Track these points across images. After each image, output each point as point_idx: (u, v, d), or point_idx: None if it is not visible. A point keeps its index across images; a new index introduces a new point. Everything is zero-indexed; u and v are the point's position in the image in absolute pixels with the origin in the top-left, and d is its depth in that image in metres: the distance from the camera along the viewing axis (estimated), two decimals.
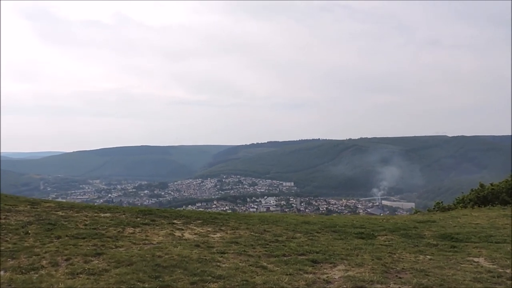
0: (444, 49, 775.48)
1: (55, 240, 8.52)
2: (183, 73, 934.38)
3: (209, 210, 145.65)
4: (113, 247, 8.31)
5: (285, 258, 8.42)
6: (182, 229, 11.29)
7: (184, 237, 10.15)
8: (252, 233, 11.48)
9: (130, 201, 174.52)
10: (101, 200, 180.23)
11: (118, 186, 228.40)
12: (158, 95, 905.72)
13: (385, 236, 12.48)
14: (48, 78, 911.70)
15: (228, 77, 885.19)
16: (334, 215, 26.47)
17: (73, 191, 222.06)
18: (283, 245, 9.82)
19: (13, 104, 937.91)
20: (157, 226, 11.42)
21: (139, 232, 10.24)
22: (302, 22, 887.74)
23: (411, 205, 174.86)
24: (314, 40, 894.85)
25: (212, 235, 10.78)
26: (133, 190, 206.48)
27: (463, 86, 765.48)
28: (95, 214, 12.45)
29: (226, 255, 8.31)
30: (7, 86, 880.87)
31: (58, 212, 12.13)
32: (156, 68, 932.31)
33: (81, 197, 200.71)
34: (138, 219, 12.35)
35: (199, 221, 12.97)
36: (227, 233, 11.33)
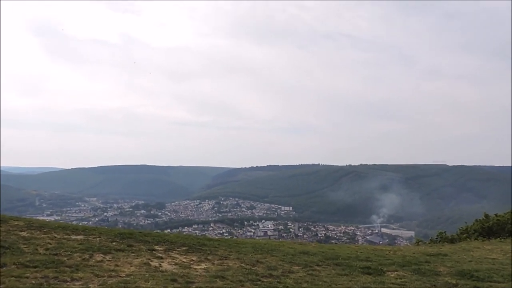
0: (445, 79, 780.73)
1: None
2: (186, 94, 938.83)
3: (206, 232, 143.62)
4: (68, 280, 6.79)
5: None
6: (162, 258, 9.77)
7: (161, 268, 8.62)
8: (242, 265, 9.95)
9: (126, 221, 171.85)
10: (97, 219, 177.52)
11: (115, 205, 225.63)
12: (160, 115, 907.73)
13: (395, 272, 10.93)
14: (52, 94, 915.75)
15: (231, 100, 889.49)
16: (335, 244, 24.77)
17: (68, 209, 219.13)
18: (277, 282, 8.30)
19: (16, 118, 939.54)
20: (132, 253, 9.89)
21: (108, 260, 8.70)
22: (305, 48, 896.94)
23: (411, 233, 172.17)
24: (317, 66, 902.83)
25: (195, 266, 9.25)
26: (130, 209, 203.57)
27: (464, 115, 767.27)
28: (65, 236, 10.95)
29: None
30: (11, 100, 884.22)
31: (22, 233, 10.62)
32: (159, 88, 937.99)
33: (76, 214, 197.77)
34: (114, 243, 10.84)
35: (184, 248, 11.47)
36: (213, 263, 9.81)
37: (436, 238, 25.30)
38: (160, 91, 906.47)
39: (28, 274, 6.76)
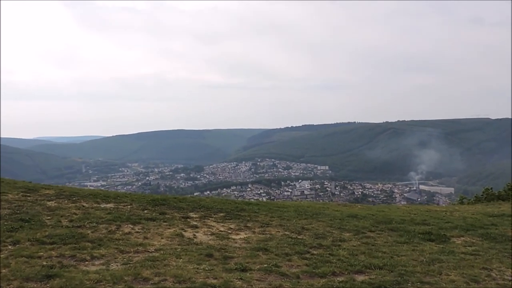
0: (487, 27, 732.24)
1: (10, 246, 6.15)
2: (217, 56, 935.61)
3: (244, 193, 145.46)
4: (87, 258, 5.86)
5: (337, 280, 5.71)
6: (197, 227, 8.80)
7: (195, 240, 7.63)
8: (286, 233, 8.84)
9: (167, 184, 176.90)
10: (140, 183, 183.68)
11: (156, 169, 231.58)
12: (192, 79, 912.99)
13: (461, 238, 9.51)
14: (87, 64, 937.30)
15: (261, 60, 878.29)
16: (384, 205, 23.09)
17: (113, 174, 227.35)
18: (329, 254, 7.11)
19: (55, 90, 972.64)
20: (165, 222, 8.97)
21: (136, 232, 7.78)
22: (336, 2, 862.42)
23: (450, 190, 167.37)
24: (348, 20, 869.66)
25: (234, 236, 8.21)
26: (170, 173, 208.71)
27: (507, 66, 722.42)
28: (94, 205, 10.20)
29: (248, 274, 5.68)
30: (49, 73, 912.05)
31: (49, 203, 9.92)
32: (189, 52, 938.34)
33: (120, 179, 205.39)
34: (145, 211, 9.99)
35: (221, 214, 10.50)
36: (254, 232, 8.75)
37: (482, 195, 23.76)
38: (190, 55, 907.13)
39: (42, 253, 5.86)
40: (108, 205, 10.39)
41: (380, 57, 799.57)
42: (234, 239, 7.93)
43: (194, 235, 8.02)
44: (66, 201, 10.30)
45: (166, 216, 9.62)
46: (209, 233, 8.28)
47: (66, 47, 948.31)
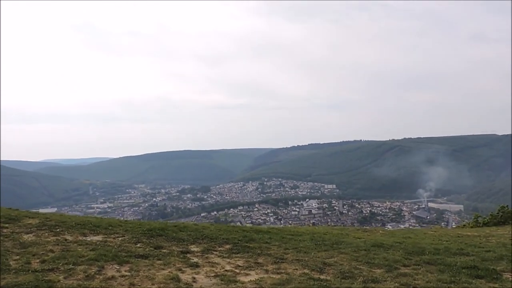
0: (490, 43, 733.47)
1: None
2: (221, 77, 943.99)
3: (251, 213, 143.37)
4: None
5: None
6: (198, 265, 7.34)
7: (194, 286, 6.15)
8: (306, 271, 7.34)
9: (174, 205, 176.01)
10: (147, 204, 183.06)
11: (162, 190, 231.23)
12: (198, 100, 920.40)
13: None
14: (94, 87, 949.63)
15: (266, 80, 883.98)
16: (407, 230, 21.89)
17: (119, 196, 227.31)
18: None
19: (62, 113, 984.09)
20: (159, 259, 7.48)
21: (122, 276, 6.28)
22: (339, 22, 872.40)
23: (460, 207, 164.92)
24: (352, 40, 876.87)
25: (243, 278, 6.72)
26: (177, 194, 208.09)
27: None
28: (80, 238, 8.83)
29: None
30: (56, 96, 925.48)
31: (27, 236, 8.54)
32: (194, 74, 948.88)
33: (127, 201, 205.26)
34: (138, 245, 8.56)
35: (227, 246, 9.09)
36: (267, 270, 7.27)
37: (497, 213, 22.55)
38: (195, 77, 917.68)
39: None
40: (96, 238, 9.01)
41: (385, 75, 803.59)
42: (243, 282, 6.42)
43: (194, 278, 6.53)
44: (46, 234, 8.94)
45: (162, 251, 8.19)
46: (212, 275, 6.78)
47: (73, 70, 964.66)
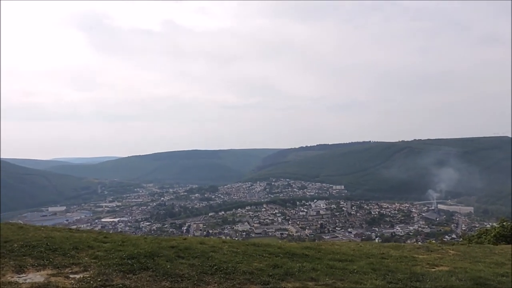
0: (503, 45, 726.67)
1: None
2: (232, 77, 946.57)
3: (259, 213, 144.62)
4: None
5: None
6: None
7: None
8: None
9: (182, 204, 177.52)
10: (154, 203, 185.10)
11: (170, 190, 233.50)
12: (208, 99, 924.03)
13: None
14: (104, 86, 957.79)
15: (277, 81, 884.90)
16: (443, 244, 17.76)
17: (128, 195, 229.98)
18: None
19: (72, 111, 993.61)
20: None
21: None
22: (351, 22, 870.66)
23: (470, 209, 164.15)
24: (364, 40, 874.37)
25: None
26: (185, 193, 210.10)
27: None
28: (8, 278, 6.47)
29: None
30: (67, 95, 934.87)
31: None
32: (206, 73, 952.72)
33: (135, 200, 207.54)
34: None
35: None
36: None
37: None
38: (206, 76, 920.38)
39: None
40: (36, 279, 6.43)
41: (395, 76, 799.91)
42: None
43: None
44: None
45: None
46: None
47: (84, 69, 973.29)
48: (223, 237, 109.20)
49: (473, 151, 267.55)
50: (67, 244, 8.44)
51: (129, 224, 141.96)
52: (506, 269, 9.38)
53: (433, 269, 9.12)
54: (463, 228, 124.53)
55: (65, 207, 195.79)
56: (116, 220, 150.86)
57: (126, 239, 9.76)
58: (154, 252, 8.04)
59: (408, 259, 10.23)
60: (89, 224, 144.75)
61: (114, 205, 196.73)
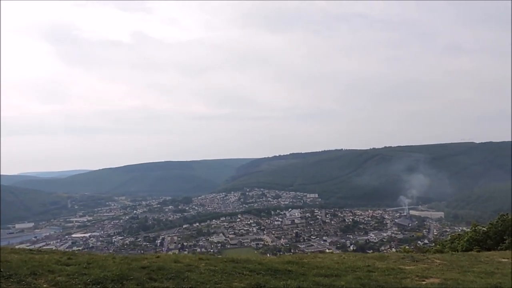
0: (467, 54, 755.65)
1: None
2: (203, 88, 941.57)
3: (234, 224, 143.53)
4: None
5: None
6: None
7: None
8: None
9: (155, 217, 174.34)
10: (127, 217, 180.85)
11: (143, 202, 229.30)
12: (179, 110, 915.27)
13: None
14: (73, 98, 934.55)
15: (248, 91, 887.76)
16: (432, 258, 14.52)
17: (99, 209, 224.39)
18: None
19: (39, 125, 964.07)
20: None
21: None
22: (319, 33, 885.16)
23: (440, 214, 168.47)
24: (332, 51, 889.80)
25: None
26: (158, 206, 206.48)
27: (488, 91, 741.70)
28: None
29: None
30: (34, 108, 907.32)
31: None
32: (177, 84, 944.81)
33: (107, 214, 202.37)
34: None
35: None
36: None
37: (497, 222, 22.31)
38: (177, 87, 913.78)
39: None
40: None
41: (364, 85, 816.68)
42: None
43: None
44: None
45: None
46: None
47: (50, 82, 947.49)
48: (198, 249, 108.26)
49: (441, 157, 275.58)
50: (24, 269, 7.44)
51: (100, 239, 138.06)
52: (498, 279, 9.26)
53: (424, 282, 8.79)
54: (435, 233, 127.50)
55: (33, 224, 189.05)
56: (87, 235, 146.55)
57: (92, 260, 8.90)
58: (123, 275, 7.13)
59: (396, 271, 10.04)
60: (58, 240, 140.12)
61: (85, 220, 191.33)
